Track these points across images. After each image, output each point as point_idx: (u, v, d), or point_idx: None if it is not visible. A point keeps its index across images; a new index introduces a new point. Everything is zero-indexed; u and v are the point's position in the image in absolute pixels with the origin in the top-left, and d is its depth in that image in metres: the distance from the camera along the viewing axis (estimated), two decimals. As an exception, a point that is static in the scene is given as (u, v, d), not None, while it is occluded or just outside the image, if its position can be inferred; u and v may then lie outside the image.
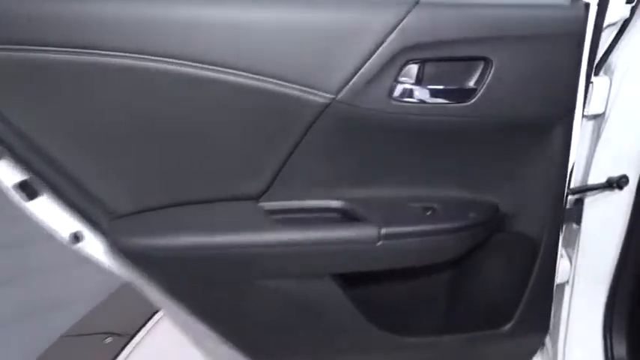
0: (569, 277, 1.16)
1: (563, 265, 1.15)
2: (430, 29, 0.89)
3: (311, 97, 0.89)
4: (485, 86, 0.92)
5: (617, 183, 1.08)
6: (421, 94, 0.94)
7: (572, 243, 1.16)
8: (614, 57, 1.03)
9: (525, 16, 0.91)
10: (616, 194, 1.10)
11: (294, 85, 0.88)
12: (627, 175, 1.08)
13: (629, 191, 1.09)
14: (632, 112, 1.03)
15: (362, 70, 0.89)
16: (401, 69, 0.91)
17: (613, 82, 1.02)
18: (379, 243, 0.94)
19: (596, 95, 1.02)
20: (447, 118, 0.95)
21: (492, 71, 0.92)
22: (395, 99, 0.93)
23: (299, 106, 0.89)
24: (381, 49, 0.88)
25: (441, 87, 0.94)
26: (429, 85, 0.94)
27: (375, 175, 1.01)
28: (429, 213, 1.01)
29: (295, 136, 0.93)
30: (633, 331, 1.15)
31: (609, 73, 1.03)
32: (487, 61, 0.92)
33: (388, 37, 0.88)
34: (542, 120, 0.98)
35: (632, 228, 1.09)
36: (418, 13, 0.88)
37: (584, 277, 1.16)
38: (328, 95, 0.90)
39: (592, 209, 1.12)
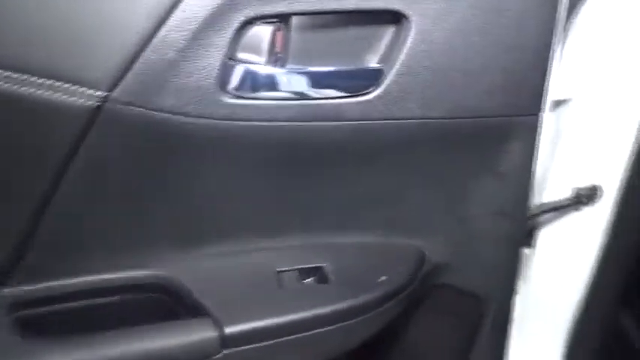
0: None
1: None
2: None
3: (67, 98, 0.43)
4: (399, 65, 0.50)
5: (586, 197, 0.76)
6: (281, 82, 0.49)
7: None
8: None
9: None
10: (584, 211, 0.76)
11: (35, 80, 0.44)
12: (600, 185, 0.75)
13: (602, 206, 0.76)
14: (604, 97, 0.67)
15: (155, 41, 0.44)
16: (238, 36, 0.46)
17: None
18: (220, 355, 0.52)
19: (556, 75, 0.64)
20: (331, 123, 0.52)
21: (411, 36, 0.49)
22: (231, 94, 0.49)
23: (49, 116, 0.46)
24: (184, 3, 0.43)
25: (315, 69, 0.50)
26: (295, 65, 0.49)
27: (214, 223, 0.58)
28: (308, 280, 0.60)
29: (53, 168, 0.48)
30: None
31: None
32: (400, 20, 0.49)
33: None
34: (492, 118, 0.57)
35: (608, 253, 0.77)
36: None
37: (534, 318, 0.84)
38: (97, 93, 0.45)
39: (550, 229, 0.78)
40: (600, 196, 0.76)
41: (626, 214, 0.73)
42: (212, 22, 0.45)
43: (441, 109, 0.53)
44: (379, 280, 0.60)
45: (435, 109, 0.53)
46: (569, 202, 0.76)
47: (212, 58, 0.46)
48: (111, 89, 0.45)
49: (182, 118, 0.48)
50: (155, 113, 0.47)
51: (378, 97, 0.51)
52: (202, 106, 0.48)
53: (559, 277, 0.82)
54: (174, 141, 0.49)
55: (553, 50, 0.55)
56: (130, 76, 0.45)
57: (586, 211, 0.77)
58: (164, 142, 0.49)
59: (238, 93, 0.49)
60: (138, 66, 0.45)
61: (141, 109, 0.47)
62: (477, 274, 0.67)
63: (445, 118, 0.54)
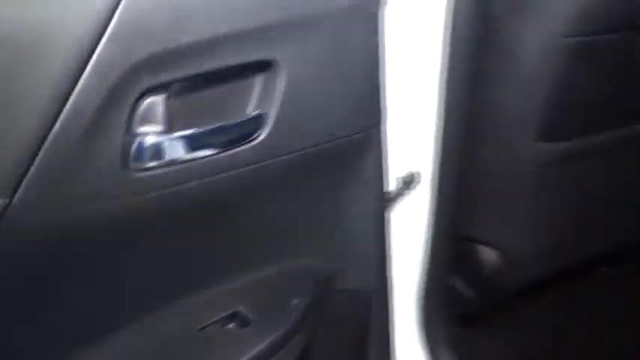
0: None
1: None
2: (170, 25, 0.46)
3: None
4: (277, 107, 0.55)
5: (406, 184, 0.89)
6: (178, 147, 0.50)
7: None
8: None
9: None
10: (411, 196, 0.90)
11: None
12: (417, 171, 0.89)
13: (422, 191, 0.90)
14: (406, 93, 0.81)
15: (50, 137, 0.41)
16: (133, 112, 0.46)
17: None
18: None
19: None
20: (228, 174, 0.55)
21: (283, 80, 0.55)
22: (135, 169, 0.48)
23: None
24: (85, 79, 0.42)
25: (207, 127, 0.52)
26: (188, 127, 0.51)
27: (132, 299, 0.56)
28: (230, 327, 0.61)
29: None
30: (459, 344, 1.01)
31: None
32: (271, 66, 0.55)
33: (94, 52, 0.42)
34: (351, 137, 0.66)
35: (437, 230, 0.91)
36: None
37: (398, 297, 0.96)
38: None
39: (392, 218, 0.90)
40: (419, 181, 0.91)
41: (444, 194, 0.86)
42: (107, 103, 0.44)
43: (314, 138, 0.60)
44: (292, 304, 0.64)
45: (309, 139, 0.60)
46: (395, 191, 0.89)
47: (112, 138, 0.45)
48: (11, 195, 0.41)
49: (91, 206, 0.45)
50: (62, 208, 0.44)
51: (265, 139, 0.55)
52: (109, 187, 0.46)
53: (406, 257, 0.95)
54: (85, 230, 0.46)
55: (383, 74, 0.66)
56: (29, 177, 0.41)
57: (412, 196, 0.92)
58: (76, 235, 0.46)
59: (141, 166, 0.48)
60: (36, 166, 0.42)
61: (46, 208, 0.43)
62: (359, 274, 0.76)
63: (318, 145, 0.61)
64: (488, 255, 1.06)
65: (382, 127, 0.68)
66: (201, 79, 0.50)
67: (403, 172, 0.89)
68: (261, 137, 0.55)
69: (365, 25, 0.60)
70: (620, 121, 0.97)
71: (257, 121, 0.54)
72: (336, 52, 0.58)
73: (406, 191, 0.90)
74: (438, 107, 0.80)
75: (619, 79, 0.90)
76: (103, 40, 0.41)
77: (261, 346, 0.59)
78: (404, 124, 0.80)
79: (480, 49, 0.80)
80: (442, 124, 0.80)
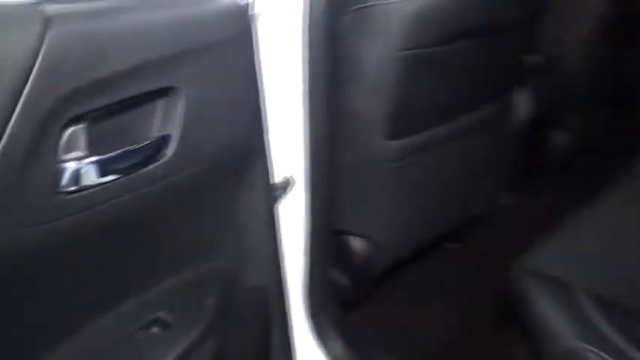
0: None
1: None
2: (88, 61, 0.51)
3: None
4: (179, 127, 0.62)
5: (283, 188, 0.98)
6: (97, 171, 0.55)
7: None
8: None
9: (193, 20, 0.63)
10: (289, 198, 0.99)
11: None
12: (290, 176, 0.98)
13: (297, 193, 0.99)
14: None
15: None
16: (57, 141, 0.50)
17: None
18: None
19: None
20: (145, 189, 0.60)
21: (183, 102, 0.62)
22: (62, 192, 0.52)
23: None
24: (17, 114, 0.45)
25: (121, 150, 0.57)
26: (104, 152, 0.56)
27: (63, 318, 0.58)
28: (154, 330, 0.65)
29: None
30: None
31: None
32: (173, 92, 0.61)
33: (24, 88, 0.45)
34: (241, 147, 0.74)
35: (313, 228, 1.00)
36: (57, 39, 0.48)
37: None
38: None
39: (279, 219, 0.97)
40: (293, 184, 1.00)
41: (316, 194, 0.94)
42: (38, 134, 0.47)
43: (210, 153, 0.67)
44: (205, 305, 0.70)
45: (207, 154, 0.67)
46: (276, 195, 0.97)
47: (43, 165, 0.48)
48: None
49: (27, 229, 0.48)
50: (2, 233, 0.46)
51: (171, 157, 0.61)
52: (43, 211, 0.49)
53: (292, 255, 1.03)
54: (22, 252, 0.49)
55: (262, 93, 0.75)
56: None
57: (290, 198, 1.00)
58: (14, 256, 0.48)
59: (69, 189, 0.51)
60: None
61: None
62: (258, 272, 0.84)
63: (214, 158, 0.68)
64: (358, 245, 1.17)
65: (264, 138, 0.77)
66: (115, 107, 0.55)
67: (281, 177, 0.98)
68: (168, 155, 0.61)
69: (244, 52, 0.69)
70: (454, 115, 1.14)
71: (163, 142, 0.60)
72: (223, 77, 0.66)
73: (284, 194, 0.99)
74: (304, 116, 0.90)
75: (450, 81, 1.07)
76: (31, 77, 0.45)
77: (183, 345, 0.64)
78: (278, 134, 0.89)
79: (334, 63, 0.92)
80: (308, 131, 0.89)
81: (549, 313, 0.84)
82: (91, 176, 0.53)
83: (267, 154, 0.80)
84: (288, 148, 0.90)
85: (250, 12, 0.72)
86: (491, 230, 1.44)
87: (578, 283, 0.88)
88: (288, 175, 0.97)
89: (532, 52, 1.41)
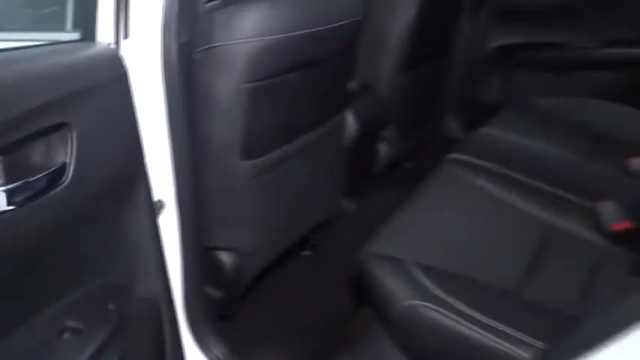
0: None
1: None
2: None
3: None
4: (75, 158, 0.71)
5: (158, 209, 1.06)
6: (8, 196, 0.63)
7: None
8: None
9: (73, 66, 0.73)
10: (165, 217, 1.06)
11: None
12: (161, 199, 1.07)
13: (169, 214, 1.07)
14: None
15: None
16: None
17: None
18: None
19: None
20: (43, 214, 0.68)
21: (75, 135, 0.71)
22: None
23: None
24: None
25: (24, 180, 0.65)
26: (12, 180, 0.63)
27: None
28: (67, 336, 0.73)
29: None
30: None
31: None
32: (67, 127, 0.70)
33: None
34: (127, 173, 0.83)
35: (186, 246, 1.07)
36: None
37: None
38: None
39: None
40: (164, 207, 1.09)
41: (186, 214, 1.04)
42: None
43: (102, 179, 0.77)
44: (108, 313, 0.79)
45: (99, 180, 0.76)
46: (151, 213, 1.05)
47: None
48: None
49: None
50: None
51: (70, 183, 0.70)
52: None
53: (172, 271, 1.09)
54: None
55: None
56: None
57: (164, 218, 1.08)
58: None
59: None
60: None
61: None
62: (149, 284, 0.93)
63: (105, 184, 0.78)
64: (227, 259, 1.28)
65: (144, 164, 0.88)
66: (19, 143, 0.63)
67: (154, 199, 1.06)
68: (66, 182, 0.69)
69: (121, 90, 0.80)
70: (297, 135, 1.30)
71: (61, 170, 0.69)
72: (107, 112, 0.76)
73: (158, 214, 1.07)
74: (168, 144, 0.98)
75: (290, 106, 1.25)
76: None
77: (94, 347, 0.72)
78: (152, 160, 0.99)
79: (190, 95, 1.03)
80: (174, 156, 0.99)
81: (389, 284, 1.05)
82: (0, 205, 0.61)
83: (148, 177, 0.90)
84: (159, 172, 0.99)
85: (119, 55, 0.83)
86: (339, 230, 1.65)
87: (410, 258, 1.09)
88: (158, 199, 1.05)
89: (353, 79, 1.67)
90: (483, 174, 1.46)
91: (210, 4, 1.11)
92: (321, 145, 1.40)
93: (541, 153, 1.62)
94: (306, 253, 1.67)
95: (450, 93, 2.24)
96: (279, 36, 1.08)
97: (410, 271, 1.05)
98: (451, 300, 0.95)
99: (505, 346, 0.88)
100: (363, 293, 1.16)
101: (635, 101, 1.85)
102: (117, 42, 0.85)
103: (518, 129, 1.70)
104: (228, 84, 1.12)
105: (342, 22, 1.26)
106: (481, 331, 0.90)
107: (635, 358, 0.65)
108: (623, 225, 1.21)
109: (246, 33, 1.06)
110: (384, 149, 1.87)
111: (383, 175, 1.90)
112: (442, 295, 0.98)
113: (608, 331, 0.64)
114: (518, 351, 0.87)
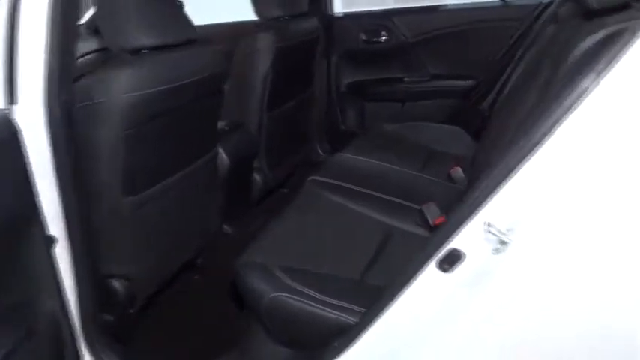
0: None
1: None
2: None
3: None
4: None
5: (50, 244, 1.19)
6: None
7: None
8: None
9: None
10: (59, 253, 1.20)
11: None
12: (53, 235, 1.17)
13: (61, 248, 1.19)
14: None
15: None
16: None
17: None
18: None
19: None
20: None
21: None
22: None
23: None
24: None
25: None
26: None
27: None
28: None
29: None
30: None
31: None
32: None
33: None
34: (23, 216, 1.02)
35: (78, 274, 1.22)
36: None
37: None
38: None
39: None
40: (56, 241, 1.23)
41: (78, 247, 1.19)
42: None
43: (5, 219, 0.96)
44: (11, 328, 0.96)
45: (3, 219, 0.95)
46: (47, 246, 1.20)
47: None
48: None
49: None
50: None
51: None
52: None
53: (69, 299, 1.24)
54: None
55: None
56: None
57: (59, 250, 1.19)
58: None
59: None
60: None
61: None
62: (50, 307, 1.10)
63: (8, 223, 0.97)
64: (119, 286, 1.44)
65: (37, 206, 1.06)
66: None
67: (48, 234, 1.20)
68: None
69: (15, 148, 1.00)
70: (176, 170, 1.49)
71: None
72: (2, 166, 0.96)
73: (51, 249, 1.21)
74: (57, 187, 1.13)
75: (166, 146, 1.44)
76: None
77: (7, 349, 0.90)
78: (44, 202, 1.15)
79: (75, 145, 1.19)
80: (62, 198, 1.14)
81: (255, 285, 1.28)
82: None
83: (41, 216, 1.08)
84: (51, 212, 1.15)
85: (11, 118, 1.03)
86: (220, 252, 1.86)
87: (274, 262, 1.34)
88: (51, 234, 1.18)
89: (224, 120, 1.93)
90: (337, 191, 1.74)
91: (85, 66, 1.32)
92: (197, 178, 1.62)
93: (386, 170, 1.94)
94: (194, 275, 1.85)
95: (315, 124, 2.56)
96: (146, 91, 1.30)
97: (272, 272, 1.29)
98: (303, 288, 1.21)
99: (342, 315, 1.15)
100: (239, 297, 1.39)
101: (461, 122, 2.25)
102: (8, 107, 1.05)
103: (368, 152, 2.02)
104: (106, 133, 1.31)
105: (204, 75, 1.51)
106: (325, 308, 1.16)
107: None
108: (440, 220, 1.53)
109: (120, 91, 1.28)
110: (257, 178, 2.12)
111: (258, 201, 2.15)
112: (296, 285, 1.23)
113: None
114: (351, 317, 1.14)
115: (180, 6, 1.47)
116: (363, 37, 2.53)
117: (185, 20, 1.46)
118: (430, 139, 2.19)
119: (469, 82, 2.41)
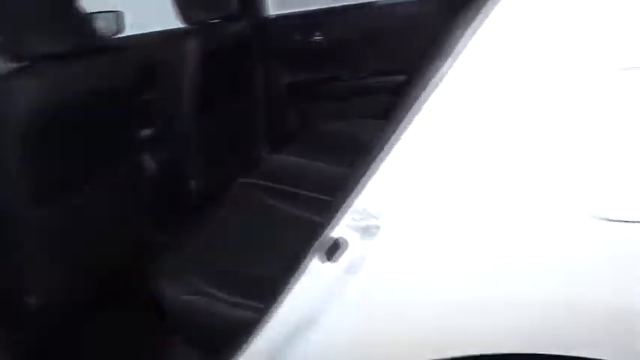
0: None
1: None
2: None
3: None
4: None
5: None
6: None
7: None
8: None
9: None
10: None
11: None
12: None
13: None
14: None
15: None
16: None
17: None
18: None
19: None
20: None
21: None
22: None
23: None
24: None
25: None
26: None
27: None
28: None
29: None
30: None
31: None
32: None
33: None
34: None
35: None
36: None
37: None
38: None
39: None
40: None
41: None
42: None
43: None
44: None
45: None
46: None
47: None
48: None
49: None
50: None
51: None
52: None
53: None
54: None
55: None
56: None
57: None
58: None
59: None
60: None
61: None
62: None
63: None
64: (33, 301, 1.38)
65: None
66: None
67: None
68: None
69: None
70: (89, 180, 1.46)
71: None
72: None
73: None
74: None
75: (75, 157, 1.40)
76: None
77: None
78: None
79: None
80: None
81: (169, 292, 1.27)
82: None
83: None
84: None
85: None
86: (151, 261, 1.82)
87: (191, 268, 1.32)
88: None
89: (153, 126, 1.90)
90: (266, 192, 1.73)
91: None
92: (115, 188, 1.58)
93: (320, 169, 1.93)
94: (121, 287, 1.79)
95: (254, 126, 2.54)
96: (45, 102, 1.28)
97: (185, 277, 1.28)
98: (209, 289, 1.20)
99: (240, 312, 1.14)
100: (159, 307, 1.36)
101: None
102: None
103: (304, 152, 2.02)
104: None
105: (106, 85, 1.47)
106: (227, 307, 1.15)
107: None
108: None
109: (19, 102, 1.25)
110: (192, 184, 2.09)
111: (196, 207, 2.12)
112: (208, 289, 1.22)
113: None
114: (249, 313, 1.12)
115: (85, 13, 1.44)
116: (298, 37, 2.52)
117: (90, 28, 1.43)
118: (370, 136, 2.19)
119: (404, 77, 2.41)
